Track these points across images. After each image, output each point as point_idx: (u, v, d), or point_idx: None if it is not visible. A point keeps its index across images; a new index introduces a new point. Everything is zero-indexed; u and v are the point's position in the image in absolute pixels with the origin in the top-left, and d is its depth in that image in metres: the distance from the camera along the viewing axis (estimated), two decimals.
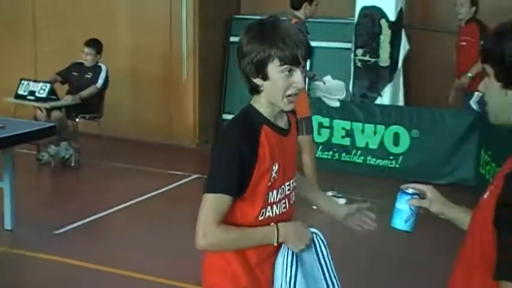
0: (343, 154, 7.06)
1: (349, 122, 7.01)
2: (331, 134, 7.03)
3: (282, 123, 2.14)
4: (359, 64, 7.29)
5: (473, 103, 6.35)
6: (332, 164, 6.94)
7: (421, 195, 2.03)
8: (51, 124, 6.02)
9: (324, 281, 2.15)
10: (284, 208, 2.14)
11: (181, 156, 7.95)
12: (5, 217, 5.27)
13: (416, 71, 7.83)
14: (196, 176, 7.01)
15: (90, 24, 8.30)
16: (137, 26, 8.26)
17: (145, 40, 8.23)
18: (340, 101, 6.28)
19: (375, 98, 7.25)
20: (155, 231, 5.40)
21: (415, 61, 7.74)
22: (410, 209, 2.02)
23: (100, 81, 7.38)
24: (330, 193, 5.87)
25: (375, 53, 7.19)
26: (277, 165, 2.06)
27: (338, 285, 2.17)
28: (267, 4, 8.47)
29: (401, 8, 7.22)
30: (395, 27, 7.15)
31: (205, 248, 2.06)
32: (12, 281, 4.52)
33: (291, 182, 2.16)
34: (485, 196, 1.63)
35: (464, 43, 6.43)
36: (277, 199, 2.10)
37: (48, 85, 7.14)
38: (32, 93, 7.12)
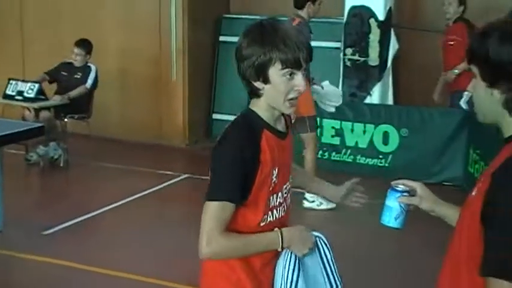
0: (333, 153, 7.08)
1: (338, 121, 7.02)
2: (321, 134, 7.04)
3: (280, 126, 2.11)
4: (348, 63, 7.31)
5: (463, 103, 6.38)
6: (322, 163, 6.93)
7: (411, 192, 2.03)
8: (39, 124, 5.98)
9: (328, 285, 2.13)
10: (283, 212, 2.12)
11: (171, 156, 7.93)
12: None
13: (405, 70, 7.86)
14: (186, 176, 7.00)
15: (78, 24, 8.27)
16: (126, 26, 8.23)
17: (135, 40, 8.21)
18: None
19: (364, 97, 7.27)
20: (145, 231, 5.38)
21: (404, 60, 7.76)
22: (400, 206, 2.02)
23: (89, 82, 7.35)
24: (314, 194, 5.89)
25: (364, 52, 7.21)
26: (277, 169, 2.04)
27: None
28: (256, 3, 8.49)
29: (390, 8, 7.24)
30: (385, 26, 7.17)
31: (209, 256, 2.01)
32: (1, 282, 4.49)
33: (288, 184, 2.16)
34: (472, 193, 1.64)
35: (452, 42, 6.46)
36: (277, 203, 2.09)
37: (37, 85, 7.11)
38: (20, 93, 7.09)
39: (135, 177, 6.90)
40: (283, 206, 2.12)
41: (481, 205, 1.55)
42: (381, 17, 7.14)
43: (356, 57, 7.26)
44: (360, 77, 7.28)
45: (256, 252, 2.04)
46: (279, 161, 2.05)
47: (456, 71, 6.36)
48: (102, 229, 5.66)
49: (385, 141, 6.91)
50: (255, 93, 2.04)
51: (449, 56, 6.53)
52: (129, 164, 7.28)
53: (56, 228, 5.35)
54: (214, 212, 1.95)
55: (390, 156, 6.88)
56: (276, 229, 2.05)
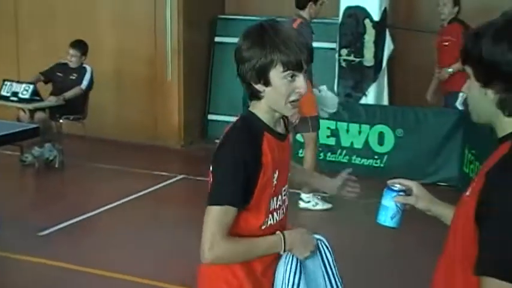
0: (328, 154, 7.08)
1: (334, 122, 7.03)
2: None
3: (280, 128, 2.10)
4: (343, 64, 7.32)
5: (459, 105, 6.39)
6: (317, 163, 6.94)
7: (407, 192, 2.04)
8: (34, 125, 5.97)
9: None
10: (282, 214, 2.11)
11: (166, 157, 7.93)
12: None
13: (400, 70, 7.87)
14: (181, 176, 7.00)
15: (74, 25, 8.25)
16: (121, 26, 8.22)
17: (130, 41, 8.20)
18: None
19: (360, 98, 7.28)
20: (141, 232, 5.37)
21: (399, 61, 7.78)
22: (396, 205, 2.02)
23: (85, 83, 7.34)
24: (309, 194, 5.90)
25: (360, 53, 7.22)
26: (277, 172, 2.03)
27: None
28: (251, 4, 8.49)
29: (385, 8, 7.25)
30: (380, 27, 7.18)
31: (212, 261, 1.98)
32: None
33: (286, 186, 2.15)
34: (467, 193, 1.64)
35: (447, 43, 6.47)
36: (277, 206, 2.08)
37: (32, 86, 7.09)
38: (15, 94, 7.07)
39: (131, 178, 6.89)
40: (282, 209, 2.12)
41: (475, 205, 1.56)
42: (376, 17, 7.15)
43: (351, 57, 7.26)
44: (355, 77, 7.29)
45: (259, 255, 2.03)
46: (279, 163, 2.04)
47: (450, 69, 6.38)
48: (97, 230, 5.65)
49: (381, 142, 6.92)
50: (255, 96, 2.02)
51: (444, 56, 6.54)
52: (125, 164, 7.27)
53: (52, 230, 5.34)
54: (216, 216, 1.93)
55: (385, 157, 6.89)
56: (278, 232, 2.04)
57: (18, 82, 7.22)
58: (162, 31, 8.04)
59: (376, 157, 6.92)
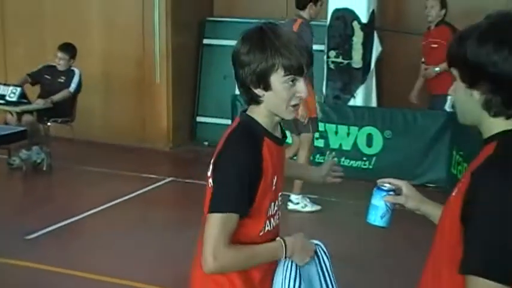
0: (317, 156, 7.08)
1: (322, 124, 7.04)
2: None
3: (277, 132, 2.06)
4: (332, 66, 7.34)
5: (448, 108, 6.42)
6: (311, 165, 6.96)
7: (397, 191, 2.04)
8: (22, 128, 5.94)
9: None
10: (278, 219, 2.08)
11: (154, 159, 7.91)
12: None
13: (388, 72, 7.90)
14: (170, 179, 6.99)
15: (61, 28, 8.23)
16: (109, 29, 8.20)
17: (118, 43, 8.17)
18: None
19: (348, 100, 7.30)
20: (130, 235, 5.35)
21: (387, 63, 7.81)
22: (386, 205, 2.02)
23: (73, 86, 7.31)
24: (299, 196, 5.91)
25: (348, 55, 7.24)
26: (276, 177, 2.00)
27: None
28: (240, 7, 8.49)
29: (373, 10, 7.28)
30: (368, 29, 7.20)
31: (216, 271, 1.92)
32: None
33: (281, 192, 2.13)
34: (453, 193, 1.66)
35: (435, 45, 6.50)
36: (274, 211, 2.05)
37: (19, 89, 7.06)
38: (2, 96, 7.03)
39: (119, 180, 6.87)
40: (278, 214, 2.09)
41: (461, 204, 1.57)
42: (364, 19, 7.17)
43: (339, 59, 7.28)
44: (343, 79, 7.31)
45: (261, 263, 2.00)
46: (278, 168, 2.02)
47: (437, 68, 6.40)
48: (85, 233, 5.62)
49: (369, 143, 6.94)
50: (254, 101, 1.97)
51: (431, 58, 6.57)
52: (113, 167, 7.24)
53: (40, 233, 5.31)
54: (219, 224, 1.87)
55: (374, 158, 6.91)
56: (279, 238, 2.02)
57: (5, 85, 7.19)
58: (150, 33, 8.02)
59: (364, 159, 6.94)
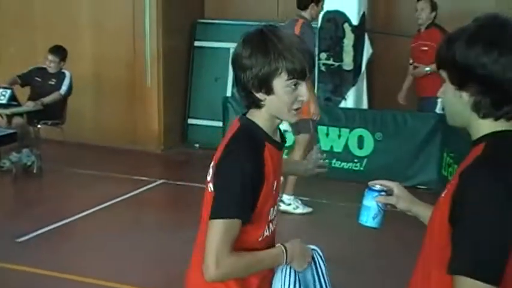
0: None
1: None
2: None
3: (277, 137, 2.04)
4: (323, 68, 7.36)
5: (439, 110, 6.45)
6: None
7: (388, 192, 2.05)
8: (12, 131, 5.93)
9: None
10: (275, 224, 2.07)
11: (146, 161, 7.89)
12: None
13: (379, 74, 7.93)
14: (161, 181, 6.98)
15: (52, 30, 8.20)
16: (100, 31, 8.18)
17: (109, 46, 8.16)
18: None
19: (339, 102, 7.32)
20: (121, 237, 5.34)
21: (378, 65, 7.84)
22: (378, 205, 2.03)
23: (64, 88, 7.30)
24: (291, 197, 5.91)
25: (339, 57, 7.26)
26: (276, 182, 1.99)
27: None
28: (231, 8, 8.50)
29: (363, 13, 7.30)
30: (358, 31, 7.23)
31: (217, 279, 1.87)
32: None
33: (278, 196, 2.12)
34: (443, 194, 1.67)
35: (425, 48, 6.53)
36: (273, 216, 2.03)
37: (9, 91, 7.03)
38: None
39: (110, 183, 6.85)
40: (276, 218, 2.07)
41: (449, 205, 1.58)
42: (355, 21, 7.20)
43: (330, 61, 7.31)
44: (334, 81, 7.33)
45: (263, 269, 1.98)
46: (277, 172, 2.00)
47: (428, 68, 6.42)
48: (77, 236, 5.61)
49: (360, 145, 6.95)
50: (256, 105, 1.94)
51: (421, 61, 6.60)
52: (104, 169, 7.23)
53: (30, 236, 5.28)
54: (222, 230, 1.83)
55: (365, 160, 6.93)
56: (279, 245, 2.00)
57: None
58: (141, 36, 8.01)
59: (355, 161, 6.95)
